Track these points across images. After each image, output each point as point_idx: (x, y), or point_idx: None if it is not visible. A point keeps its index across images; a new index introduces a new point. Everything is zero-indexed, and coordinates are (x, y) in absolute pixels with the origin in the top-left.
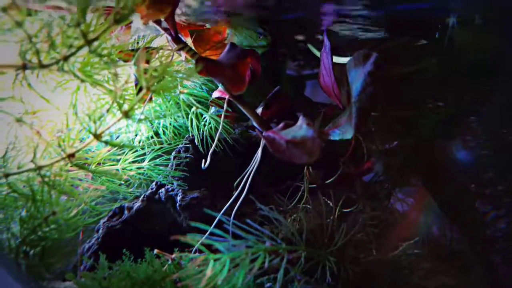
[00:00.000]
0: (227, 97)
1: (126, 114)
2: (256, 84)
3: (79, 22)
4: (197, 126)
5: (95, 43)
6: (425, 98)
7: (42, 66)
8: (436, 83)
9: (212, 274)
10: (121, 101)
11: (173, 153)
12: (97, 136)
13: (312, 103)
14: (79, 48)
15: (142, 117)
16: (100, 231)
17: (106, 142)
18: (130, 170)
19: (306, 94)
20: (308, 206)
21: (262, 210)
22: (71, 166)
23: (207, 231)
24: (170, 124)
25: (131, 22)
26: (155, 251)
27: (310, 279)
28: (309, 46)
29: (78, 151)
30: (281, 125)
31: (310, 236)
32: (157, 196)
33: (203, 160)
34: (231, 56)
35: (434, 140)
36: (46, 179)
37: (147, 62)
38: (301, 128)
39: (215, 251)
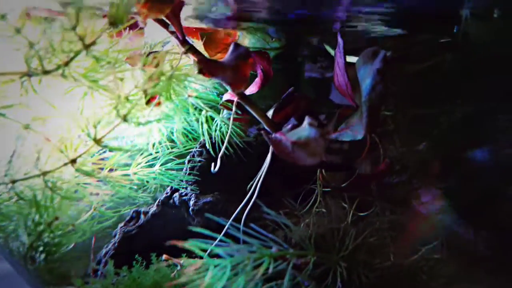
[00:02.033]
0: (236, 99)
1: (125, 118)
2: (271, 86)
3: (75, 26)
4: (208, 130)
5: (94, 47)
6: (442, 96)
7: (45, 72)
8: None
9: (212, 280)
10: (121, 105)
11: (188, 157)
12: (97, 141)
13: (331, 104)
14: (78, 53)
15: (144, 120)
16: (117, 236)
17: (106, 147)
18: (142, 174)
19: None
20: (322, 210)
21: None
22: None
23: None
24: (184, 128)
25: (142, 28)
26: (164, 256)
27: (319, 285)
28: (326, 46)
29: (79, 156)
30: (288, 126)
31: (322, 241)
32: (171, 200)
33: (212, 164)
34: (234, 56)
35: (453, 140)
36: (50, 185)
37: (156, 66)
38: (304, 129)
39: (220, 257)
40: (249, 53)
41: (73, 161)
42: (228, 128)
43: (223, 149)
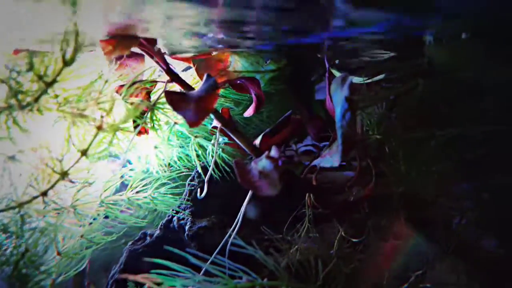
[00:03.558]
0: (219, 126)
1: (84, 153)
2: (267, 109)
3: (31, 66)
4: (203, 155)
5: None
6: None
7: (21, 107)
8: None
9: None
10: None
11: (187, 180)
12: (63, 174)
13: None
14: (43, 91)
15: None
16: (123, 256)
17: (71, 181)
18: (137, 199)
19: None
20: (309, 235)
21: (271, 239)
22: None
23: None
24: (183, 153)
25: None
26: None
27: None
28: (331, 69)
29: (50, 188)
30: (265, 153)
31: (301, 269)
32: (171, 224)
33: (199, 190)
34: (204, 87)
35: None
36: (26, 216)
37: (148, 94)
38: (262, 160)
39: None
40: (217, 84)
41: (44, 194)
42: (225, 153)
43: (208, 174)
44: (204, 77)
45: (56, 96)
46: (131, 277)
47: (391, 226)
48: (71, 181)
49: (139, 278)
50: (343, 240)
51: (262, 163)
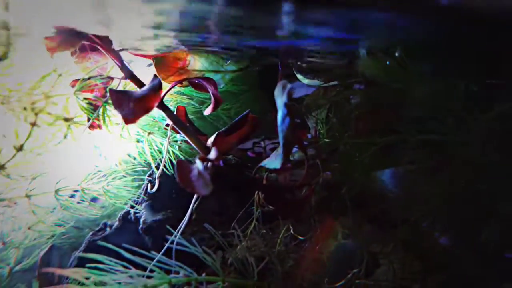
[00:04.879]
0: (170, 124)
1: (21, 148)
2: (235, 105)
3: None
4: (160, 151)
5: None
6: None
7: None
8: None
9: None
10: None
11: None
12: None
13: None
14: None
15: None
16: (83, 245)
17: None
18: (89, 190)
19: None
20: (257, 231)
21: (223, 234)
22: None
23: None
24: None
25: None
26: None
27: None
28: (296, 73)
29: None
30: (198, 156)
31: (241, 266)
32: (129, 216)
33: (149, 185)
34: (148, 87)
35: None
36: None
37: (105, 90)
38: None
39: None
40: (160, 85)
41: None
42: (189, 148)
43: (160, 170)
44: (152, 77)
45: None
46: (58, 271)
47: (333, 223)
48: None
49: (67, 272)
50: (290, 237)
51: (197, 164)
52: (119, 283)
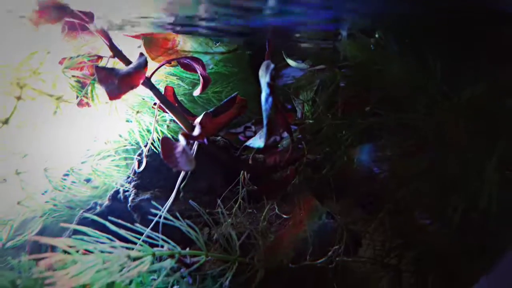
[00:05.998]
0: (158, 103)
1: (6, 121)
2: (226, 88)
3: None
4: (147, 130)
5: None
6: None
7: None
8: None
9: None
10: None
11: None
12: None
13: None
14: None
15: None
16: (74, 223)
17: None
18: (80, 170)
19: None
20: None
21: (210, 212)
22: None
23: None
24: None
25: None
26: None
27: (214, 282)
28: (285, 56)
29: None
30: (181, 132)
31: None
32: (119, 195)
33: (137, 163)
34: (134, 65)
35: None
36: None
37: (92, 69)
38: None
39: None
40: (146, 63)
41: None
42: (178, 127)
43: (146, 148)
44: (138, 55)
45: None
46: (44, 239)
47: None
48: None
49: (54, 241)
50: (276, 216)
51: (180, 140)
52: (103, 251)
